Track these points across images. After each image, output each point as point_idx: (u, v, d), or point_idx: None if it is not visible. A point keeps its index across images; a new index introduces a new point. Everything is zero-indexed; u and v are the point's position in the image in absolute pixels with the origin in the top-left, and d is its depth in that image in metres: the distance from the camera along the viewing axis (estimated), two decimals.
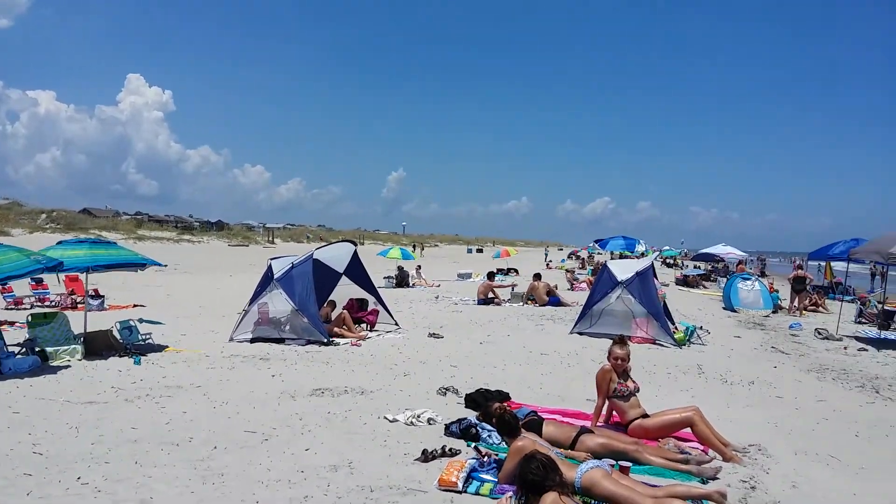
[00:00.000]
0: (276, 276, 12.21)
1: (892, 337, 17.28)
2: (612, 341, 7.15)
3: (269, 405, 7.58)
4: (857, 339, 16.94)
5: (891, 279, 29.55)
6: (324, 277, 13.03)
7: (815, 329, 17.55)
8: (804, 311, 22.49)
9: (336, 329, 12.48)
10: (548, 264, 45.89)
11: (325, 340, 11.69)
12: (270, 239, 70.42)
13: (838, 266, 29.66)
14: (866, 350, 15.00)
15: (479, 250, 78.62)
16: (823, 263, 31.19)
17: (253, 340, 11.70)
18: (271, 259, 13.12)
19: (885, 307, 19.92)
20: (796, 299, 22.75)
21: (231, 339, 11.76)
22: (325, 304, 13.11)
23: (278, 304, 11.97)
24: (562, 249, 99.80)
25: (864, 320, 21.00)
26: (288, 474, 5.39)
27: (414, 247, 52.11)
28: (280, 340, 11.71)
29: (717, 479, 5.74)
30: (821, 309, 23.77)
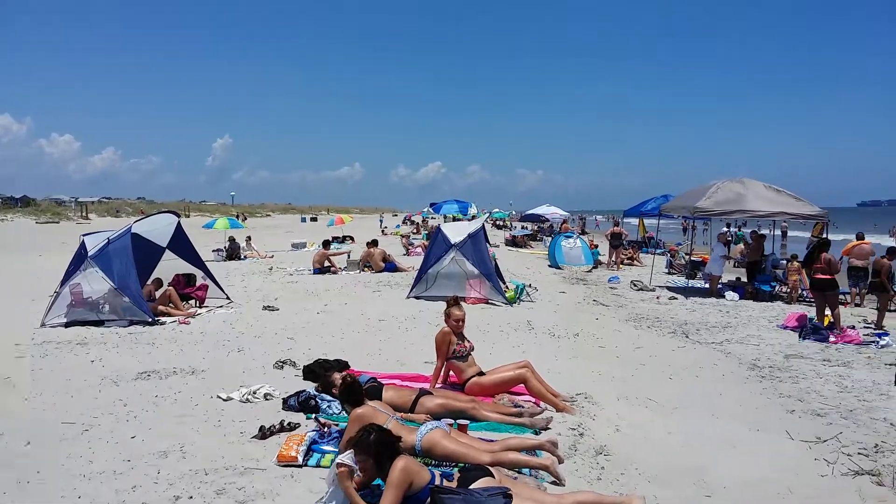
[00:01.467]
0: (90, 254, 11.31)
1: (699, 285, 18.90)
2: (447, 303, 7.27)
3: (89, 393, 7.05)
4: (668, 288, 18.40)
5: (698, 232, 32.21)
6: (145, 253, 12.25)
7: (631, 281, 18.87)
8: (621, 265, 24.06)
9: (161, 307, 11.81)
10: (383, 230, 46.03)
11: (150, 320, 11.05)
12: (84, 214, 65.32)
13: (650, 221, 31.97)
14: (676, 298, 16.32)
15: (314, 219, 77.30)
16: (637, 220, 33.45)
17: (68, 325, 10.82)
18: (84, 235, 12.16)
19: (692, 258, 21.71)
20: (614, 254, 24.29)
21: (43, 325, 10.82)
22: (148, 282, 12.35)
23: (94, 283, 11.12)
24: (396, 215, 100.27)
25: (673, 271, 22.81)
26: (113, 465, 5.05)
27: (237, 216, 50.13)
28: (100, 323, 10.92)
29: (549, 428, 6.02)
30: (636, 262, 25.55)
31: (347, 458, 4.37)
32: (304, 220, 77.17)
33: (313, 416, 6.09)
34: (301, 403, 6.40)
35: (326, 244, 21.54)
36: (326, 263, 19.65)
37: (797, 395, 8.02)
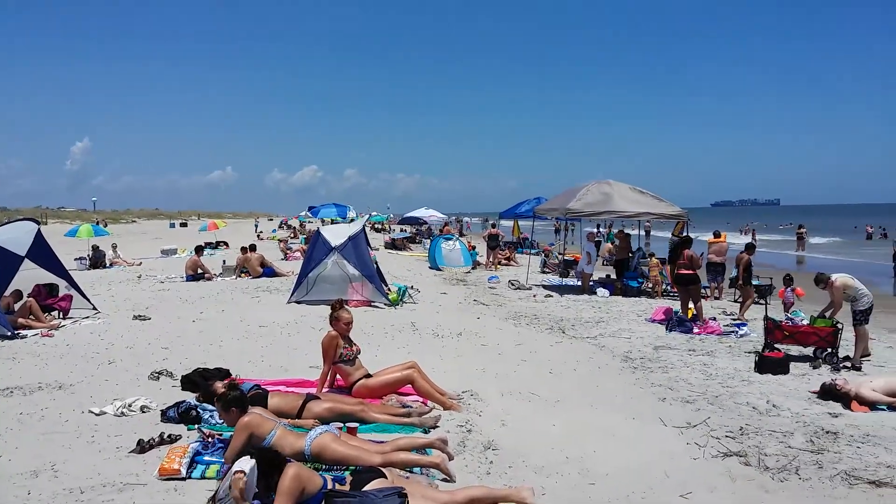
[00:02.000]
0: None
1: (572, 283, 19.60)
2: (333, 307, 7.20)
3: None
4: (544, 287, 18.98)
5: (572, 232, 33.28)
6: (2, 263, 11.39)
7: (509, 281, 19.31)
8: (499, 265, 24.58)
9: (21, 320, 11.03)
10: (259, 235, 44.89)
11: (10, 333, 10.31)
12: None
13: (525, 223, 32.85)
14: (552, 296, 16.86)
15: (184, 224, 74.32)
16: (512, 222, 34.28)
17: None
18: None
19: (565, 258, 22.50)
20: (491, 255, 24.79)
21: None
22: (6, 293, 11.50)
23: None
24: (272, 220, 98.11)
25: (547, 270, 23.54)
26: None
27: (97, 223, 47.42)
28: None
29: (438, 426, 6.09)
30: (512, 262, 26.18)
31: (245, 464, 4.24)
32: (172, 225, 74.14)
33: (196, 426, 5.87)
34: (181, 414, 6.16)
35: (199, 250, 20.78)
36: (200, 270, 18.96)
37: (667, 383, 8.48)
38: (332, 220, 35.78)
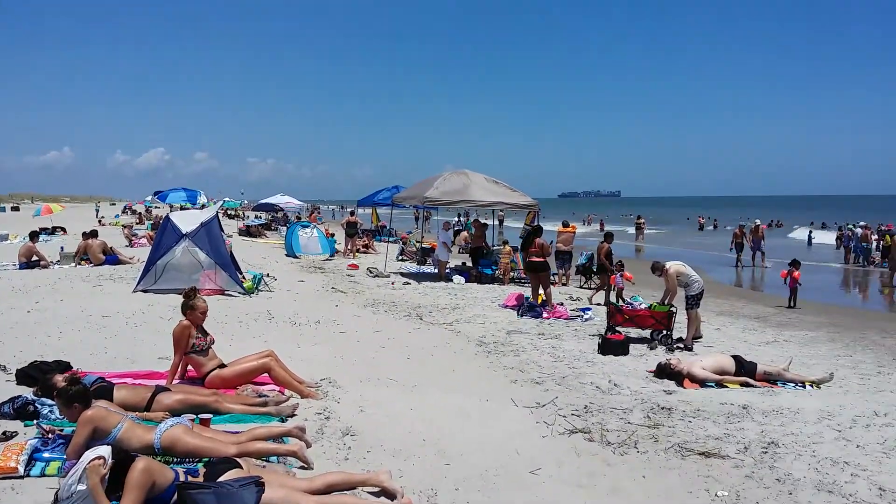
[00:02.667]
0: None
1: (429, 271, 19.89)
2: (186, 296, 6.96)
3: None
4: (402, 274, 19.15)
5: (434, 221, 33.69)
6: None
7: (367, 268, 19.34)
8: (356, 253, 24.54)
9: None
10: (100, 221, 42.26)
11: None
12: None
13: (383, 210, 32.93)
14: (409, 283, 17.04)
15: (15, 208, 68.69)
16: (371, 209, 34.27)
17: None
18: None
19: (423, 245, 22.77)
20: (350, 243, 24.70)
21: None
22: None
23: None
24: (115, 204, 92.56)
25: (405, 258, 23.75)
26: None
27: None
28: None
29: (296, 415, 6.05)
30: (371, 250, 26.21)
31: (104, 450, 4.05)
32: (2, 209, 68.36)
33: (34, 422, 5.52)
34: (17, 410, 5.75)
35: (34, 236, 19.31)
36: (35, 257, 17.64)
37: (519, 366, 8.83)
38: (181, 206, 34.28)
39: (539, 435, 6.16)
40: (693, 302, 10.71)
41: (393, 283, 17.00)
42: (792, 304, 15.85)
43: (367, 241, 26.86)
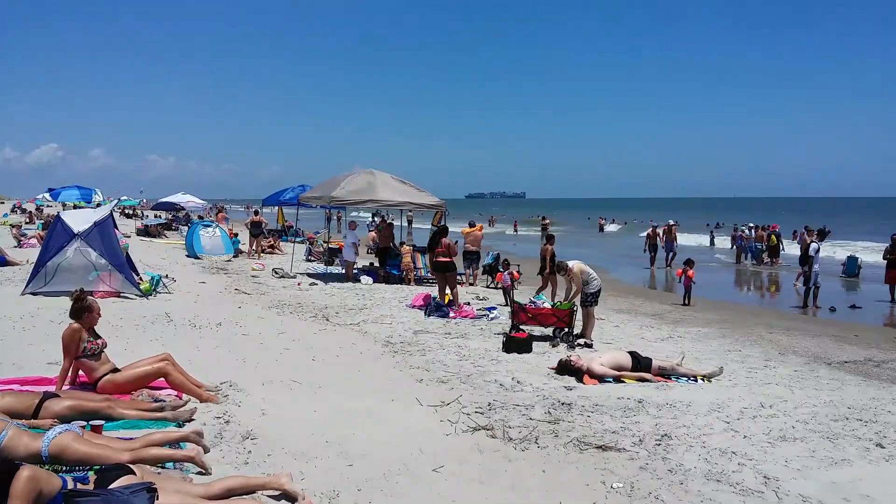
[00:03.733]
0: None
1: (336, 271, 19.72)
2: (76, 298, 6.65)
3: None
4: (309, 275, 18.93)
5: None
6: None
7: (273, 269, 19.01)
8: (262, 253, 24.07)
9: None
10: None
11: None
12: None
13: (289, 210, 32.38)
14: (316, 284, 16.86)
15: None
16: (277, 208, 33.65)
17: None
18: None
19: (330, 246, 22.55)
20: (254, 243, 24.21)
21: None
22: None
23: None
24: (3, 203, 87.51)
25: (312, 258, 23.48)
26: None
27: None
28: None
29: (194, 419, 5.88)
30: (277, 250, 25.77)
31: None
32: None
33: None
34: None
35: None
36: None
37: (425, 365, 8.88)
38: (74, 205, 32.74)
39: (443, 433, 6.21)
40: (592, 300, 11.02)
41: (299, 284, 16.76)
42: (687, 301, 16.54)
43: (272, 242, 26.38)
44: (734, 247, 31.75)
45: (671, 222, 28.24)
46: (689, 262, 16.92)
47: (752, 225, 32.72)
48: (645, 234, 29.81)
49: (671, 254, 26.57)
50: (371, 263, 20.00)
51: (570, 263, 11.28)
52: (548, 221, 47.75)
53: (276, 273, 18.36)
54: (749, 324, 13.84)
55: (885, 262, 18.24)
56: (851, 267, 21.83)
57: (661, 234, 27.12)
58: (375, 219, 33.48)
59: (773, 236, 29.78)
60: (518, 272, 16.21)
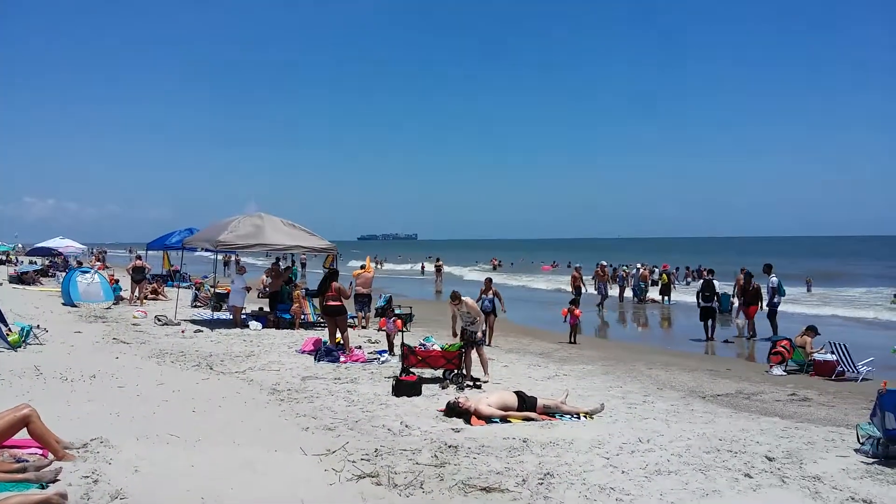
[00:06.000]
0: None
1: (224, 317, 19.18)
2: None
3: None
4: (194, 321, 18.32)
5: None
6: None
7: (156, 316, 18.29)
8: (144, 300, 23.13)
9: None
10: None
11: None
12: None
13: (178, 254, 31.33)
14: (202, 331, 16.33)
15: None
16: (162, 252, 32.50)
17: None
18: None
19: (217, 290, 21.93)
20: (137, 289, 23.24)
21: None
22: None
23: None
24: None
25: (199, 304, 22.75)
26: None
27: None
28: None
29: (59, 480, 5.54)
30: (161, 296, 24.83)
31: None
32: None
33: None
34: None
35: None
36: None
37: (311, 413, 8.72)
38: None
39: (326, 483, 6.09)
40: (481, 340, 11.22)
41: (183, 332, 16.19)
42: (573, 340, 17.02)
43: (156, 287, 25.41)
44: (615, 286, 32.41)
45: (603, 263, 28.75)
46: (574, 302, 17.45)
47: (638, 265, 34.01)
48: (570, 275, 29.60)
49: (602, 296, 26.95)
50: (261, 308, 19.56)
51: (465, 298, 11.53)
52: (441, 262, 48.07)
53: (159, 320, 17.67)
54: (630, 360, 14.37)
55: (740, 299, 19.44)
56: (724, 303, 23.04)
57: (580, 276, 26.73)
58: (281, 263, 32.66)
59: (664, 275, 31.15)
60: (403, 320, 16.03)
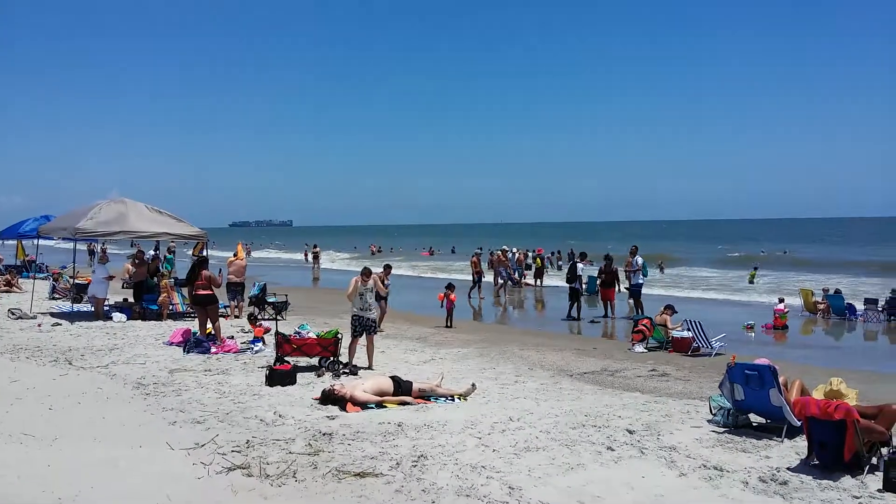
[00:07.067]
0: None
1: (85, 309, 18.14)
2: None
3: None
4: (52, 314, 17.25)
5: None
6: None
7: (9, 309, 17.09)
8: None
9: None
10: None
11: None
12: None
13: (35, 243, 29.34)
14: (60, 324, 15.42)
15: None
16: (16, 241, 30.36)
17: None
18: None
19: (77, 281, 20.73)
20: None
21: None
22: None
23: None
24: None
25: (58, 295, 21.43)
26: None
27: None
28: None
29: None
30: (15, 288, 23.23)
31: None
32: None
33: None
34: None
35: None
36: None
37: (179, 406, 8.44)
38: None
39: (195, 477, 5.93)
40: (374, 327, 11.35)
41: (40, 325, 15.20)
42: (449, 324, 17.26)
43: (9, 279, 23.74)
44: (491, 269, 32.92)
45: (504, 248, 29.26)
46: (450, 287, 17.70)
47: (514, 249, 34.72)
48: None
49: (501, 280, 27.31)
50: (125, 299, 18.64)
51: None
52: (318, 249, 47.47)
53: (13, 314, 16.51)
54: (504, 342, 14.73)
55: (599, 280, 20.44)
56: (591, 286, 24.02)
57: (485, 262, 26.74)
58: (150, 252, 30.97)
59: (538, 259, 32.07)
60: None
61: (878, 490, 5.76)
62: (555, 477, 6.09)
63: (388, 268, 16.40)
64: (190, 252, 20.03)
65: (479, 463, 6.41)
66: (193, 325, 14.18)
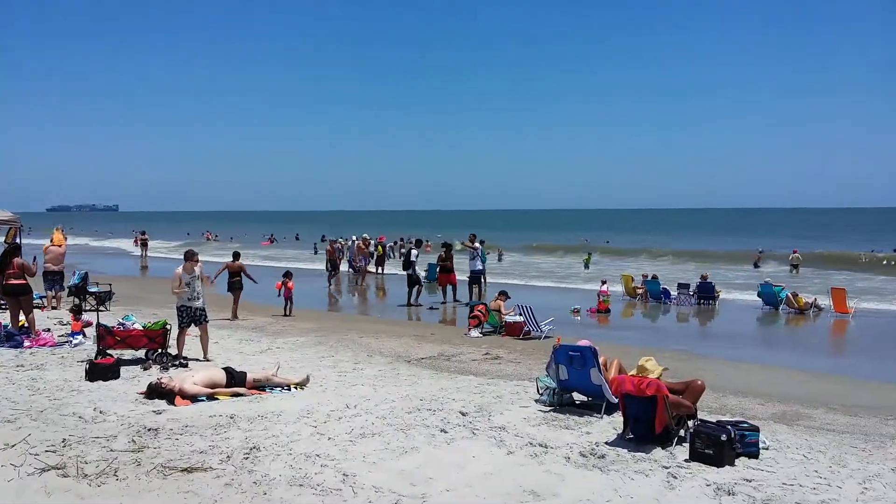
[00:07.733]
0: None
1: None
2: None
3: None
4: None
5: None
6: None
7: None
8: None
9: None
10: None
11: None
12: None
13: None
14: None
15: None
16: None
17: None
18: None
19: None
20: None
21: None
22: None
23: None
24: None
25: None
26: None
27: None
28: None
29: None
30: None
31: None
32: None
33: None
34: None
35: None
36: None
37: None
38: None
39: (5, 479, 5.50)
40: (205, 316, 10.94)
41: None
42: (288, 312, 16.98)
43: None
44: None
45: (365, 236, 29.01)
46: (287, 275, 17.39)
47: (353, 237, 34.49)
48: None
49: (363, 269, 27.05)
50: None
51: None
52: (146, 236, 44.92)
53: None
54: (343, 330, 14.69)
55: (439, 267, 20.95)
56: (431, 274, 24.36)
57: (343, 251, 26.59)
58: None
59: (379, 247, 32.11)
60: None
61: (685, 460, 6.30)
62: (389, 461, 6.18)
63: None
64: (1, 239, 18.29)
65: (314, 452, 6.38)
66: (4, 318, 13.04)
